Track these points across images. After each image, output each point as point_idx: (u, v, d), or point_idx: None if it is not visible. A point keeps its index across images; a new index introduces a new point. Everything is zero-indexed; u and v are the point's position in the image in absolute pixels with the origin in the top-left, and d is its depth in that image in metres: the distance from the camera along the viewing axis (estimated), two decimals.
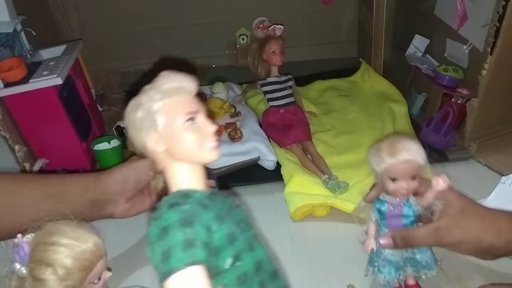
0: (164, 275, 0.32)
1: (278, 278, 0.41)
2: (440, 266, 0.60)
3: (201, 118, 0.38)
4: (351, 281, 0.64)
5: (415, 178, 0.53)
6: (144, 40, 1.32)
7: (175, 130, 0.37)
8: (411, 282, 0.61)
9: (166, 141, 0.37)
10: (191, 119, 0.37)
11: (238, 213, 0.40)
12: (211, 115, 1.00)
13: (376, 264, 0.59)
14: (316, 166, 0.87)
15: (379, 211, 0.58)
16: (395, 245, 0.55)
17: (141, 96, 0.39)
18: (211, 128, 0.39)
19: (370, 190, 0.59)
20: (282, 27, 1.00)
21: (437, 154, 0.89)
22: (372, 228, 0.59)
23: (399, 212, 0.56)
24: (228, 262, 0.36)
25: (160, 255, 0.33)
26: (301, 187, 0.80)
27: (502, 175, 0.75)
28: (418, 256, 0.59)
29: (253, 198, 0.83)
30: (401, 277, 0.60)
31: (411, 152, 0.52)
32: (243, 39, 1.33)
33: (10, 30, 0.85)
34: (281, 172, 0.86)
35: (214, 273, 0.35)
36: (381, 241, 0.55)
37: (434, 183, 0.53)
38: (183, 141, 0.37)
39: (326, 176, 0.83)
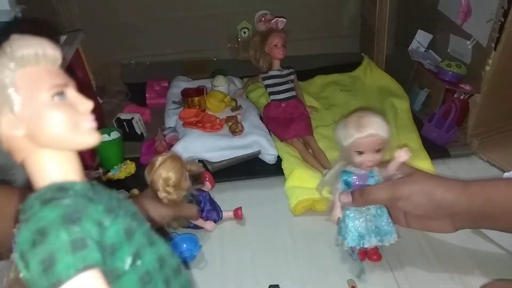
0: None
1: (182, 274, 0.36)
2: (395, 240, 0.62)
3: (73, 93, 0.30)
4: (351, 276, 0.63)
5: (380, 151, 0.58)
6: (145, 33, 1.32)
7: (39, 108, 0.28)
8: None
9: (26, 123, 0.29)
10: (60, 93, 0.29)
11: (129, 206, 0.34)
12: (212, 108, 1.00)
13: (342, 233, 0.62)
14: (317, 160, 0.87)
15: (346, 182, 0.62)
16: (354, 201, 0.60)
17: None
18: (87, 104, 0.30)
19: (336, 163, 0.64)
20: (284, 20, 0.99)
21: (439, 150, 0.89)
22: (337, 199, 0.62)
23: (364, 182, 0.61)
24: (127, 262, 0.30)
25: (38, 265, 0.25)
26: (302, 181, 0.79)
27: (504, 172, 0.75)
28: (383, 225, 0.61)
29: (254, 192, 0.82)
30: (364, 245, 0.62)
31: (376, 127, 0.56)
32: (244, 33, 1.33)
33: (10, 19, 0.85)
34: (282, 166, 0.86)
35: (112, 278, 0.29)
36: (341, 199, 0.60)
37: (397, 156, 0.58)
38: (50, 121, 0.29)
39: (327, 170, 0.83)
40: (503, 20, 0.78)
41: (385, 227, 0.62)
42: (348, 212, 0.62)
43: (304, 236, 0.72)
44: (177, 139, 0.90)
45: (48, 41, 0.30)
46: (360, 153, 0.58)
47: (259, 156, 0.90)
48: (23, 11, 0.91)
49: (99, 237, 0.28)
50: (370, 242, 0.62)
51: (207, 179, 0.81)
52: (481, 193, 0.57)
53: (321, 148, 0.90)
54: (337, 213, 0.63)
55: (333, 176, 0.65)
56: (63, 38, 0.94)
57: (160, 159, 0.65)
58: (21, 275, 0.41)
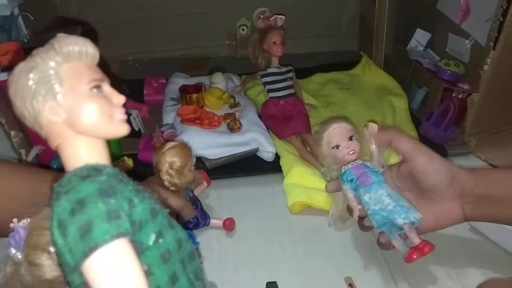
0: (85, 253, 0.28)
1: (195, 259, 0.38)
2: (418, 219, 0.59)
3: (108, 87, 0.33)
4: (348, 273, 0.63)
5: (353, 139, 0.62)
6: (143, 29, 1.31)
7: (79, 98, 0.32)
8: (416, 240, 0.58)
9: (66, 111, 0.32)
10: (97, 86, 0.32)
11: (152, 195, 0.36)
12: (210, 105, 1.00)
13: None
14: (315, 158, 0.87)
15: (350, 181, 0.62)
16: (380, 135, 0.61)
17: (35, 57, 0.32)
18: (120, 98, 0.34)
19: (327, 186, 0.67)
20: (283, 17, 0.99)
21: (436, 149, 0.88)
22: (351, 196, 0.63)
23: (363, 169, 0.62)
24: (151, 238, 0.33)
25: (76, 231, 0.28)
26: (301, 179, 0.79)
27: None
28: (401, 203, 0.59)
29: (252, 189, 0.82)
30: (392, 231, 0.59)
31: (337, 121, 0.63)
32: (243, 30, 1.32)
33: (8, 13, 0.84)
34: (280, 163, 0.86)
35: (139, 251, 0.31)
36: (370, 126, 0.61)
37: (366, 132, 0.62)
38: (88, 110, 0.32)
39: (325, 168, 0.83)
40: (502, 19, 0.78)
41: (405, 203, 0.59)
42: (365, 198, 0.60)
43: (301, 233, 0.72)
44: (175, 135, 0.90)
45: (90, 41, 0.34)
46: (338, 147, 0.62)
47: (257, 154, 0.90)
48: (21, 5, 0.91)
49: (129, 212, 0.31)
50: (397, 221, 0.58)
51: (202, 177, 0.81)
52: (486, 176, 0.59)
53: None
54: (357, 206, 0.62)
55: (340, 201, 0.66)
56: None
57: (170, 143, 0.68)
58: (21, 269, 0.41)
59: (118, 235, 0.29)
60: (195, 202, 0.72)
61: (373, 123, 0.61)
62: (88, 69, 0.33)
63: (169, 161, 0.66)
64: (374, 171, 0.62)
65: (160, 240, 0.33)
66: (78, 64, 0.33)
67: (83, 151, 0.33)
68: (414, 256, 0.57)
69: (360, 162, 0.63)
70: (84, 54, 0.33)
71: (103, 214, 0.29)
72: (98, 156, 0.33)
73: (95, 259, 0.28)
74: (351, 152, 0.62)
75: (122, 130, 0.33)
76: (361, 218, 0.64)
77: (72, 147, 0.33)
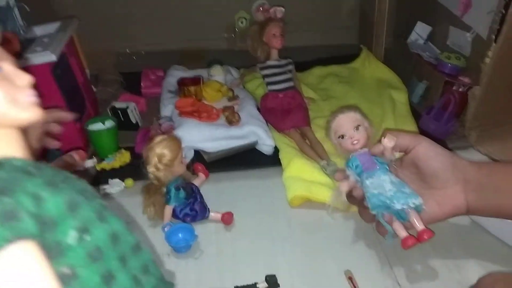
0: None
1: (142, 252, 0.34)
2: (420, 204, 0.58)
3: (9, 66, 0.29)
4: (348, 267, 0.63)
5: (359, 129, 0.62)
6: (140, 21, 1.29)
7: None
8: (418, 226, 0.58)
9: None
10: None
11: (79, 183, 0.32)
12: (208, 98, 0.99)
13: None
14: (314, 151, 0.86)
15: (356, 167, 0.62)
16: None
17: None
18: (25, 77, 0.29)
19: (336, 174, 0.68)
20: (283, 9, 0.98)
21: (437, 142, 0.88)
22: (351, 179, 0.63)
23: (369, 157, 0.62)
24: (71, 235, 0.28)
25: None
26: (300, 172, 0.79)
27: None
28: (403, 189, 0.59)
29: (250, 182, 0.82)
30: (392, 208, 0.58)
31: (345, 110, 0.64)
32: (242, 22, 1.31)
33: (3, 3, 0.83)
34: (279, 157, 0.85)
35: (55, 253, 0.27)
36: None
37: (384, 144, 0.60)
38: None
39: (324, 161, 0.82)
40: (504, 11, 0.77)
41: (407, 189, 0.59)
42: (367, 182, 0.61)
43: (301, 227, 0.72)
44: (173, 128, 0.89)
45: None
46: (344, 136, 0.63)
47: (256, 147, 0.89)
48: None
49: (36, 209, 0.26)
50: (395, 206, 0.58)
51: (200, 170, 0.80)
52: (488, 165, 0.61)
53: (318, 139, 0.89)
54: (358, 189, 0.62)
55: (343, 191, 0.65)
56: (56, 25, 0.92)
57: (160, 137, 0.67)
58: None
59: (16, 238, 0.25)
60: (192, 190, 0.72)
61: (391, 137, 0.60)
62: None
63: (158, 153, 0.66)
64: (380, 160, 0.62)
65: (86, 237, 0.29)
66: None
67: None
68: (410, 243, 0.57)
69: (367, 150, 0.63)
70: None
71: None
72: (8, 147, 0.29)
73: None
74: (355, 142, 0.62)
75: (29, 114, 0.29)
76: (359, 205, 0.64)
77: None
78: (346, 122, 0.63)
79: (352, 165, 0.62)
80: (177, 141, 0.69)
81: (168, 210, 0.70)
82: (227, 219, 0.72)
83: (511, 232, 0.64)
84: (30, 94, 0.29)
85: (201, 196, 0.73)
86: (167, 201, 0.70)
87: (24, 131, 0.31)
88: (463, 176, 0.58)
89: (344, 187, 0.63)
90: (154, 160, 0.66)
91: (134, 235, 0.34)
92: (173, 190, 0.69)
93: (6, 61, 0.29)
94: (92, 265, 0.29)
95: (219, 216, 0.72)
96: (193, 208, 0.70)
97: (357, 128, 0.62)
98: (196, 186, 0.74)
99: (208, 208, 0.72)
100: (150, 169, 0.67)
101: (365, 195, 0.61)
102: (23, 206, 0.26)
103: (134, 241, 0.34)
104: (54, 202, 0.28)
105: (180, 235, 0.66)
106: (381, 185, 0.59)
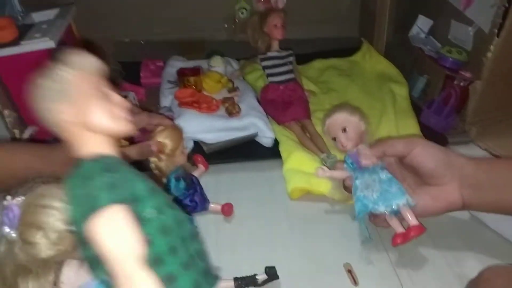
0: (88, 215, 0.33)
1: (198, 241, 0.42)
2: (409, 203, 0.60)
3: (115, 94, 0.40)
4: (347, 260, 0.63)
5: (347, 130, 0.64)
6: (139, 10, 1.28)
7: (89, 99, 0.38)
8: (410, 221, 0.60)
9: (79, 112, 0.37)
10: (103, 92, 0.39)
11: (152, 182, 0.41)
12: (208, 88, 0.98)
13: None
14: (314, 144, 0.86)
15: (351, 163, 0.64)
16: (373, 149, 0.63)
17: (53, 69, 0.38)
18: (123, 101, 0.40)
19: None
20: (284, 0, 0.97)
21: (437, 137, 0.88)
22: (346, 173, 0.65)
23: (358, 158, 0.63)
24: (151, 212, 0.37)
25: (83, 199, 0.34)
26: (300, 165, 0.78)
27: None
28: (388, 189, 0.60)
29: (250, 174, 0.81)
30: (374, 211, 0.61)
31: (333, 112, 0.66)
32: (242, 13, 1.30)
33: None
34: (279, 149, 0.84)
35: (138, 221, 0.35)
36: (361, 152, 0.63)
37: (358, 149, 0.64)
38: (97, 110, 0.38)
39: (324, 154, 0.82)
40: (507, 5, 0.77)
41: (394, 188, 0.60)
42: (356, 182, 0.62)
43: (300, 219, 0.71)
44: (172, 118, 0.88)
45: (95, 56, 0.40)
46: (335, 139, 0.66)
47: (256, 139, 0.89)
48: None
49: (131, 187, 0.36)
50: (379, 209, 0.60)
51: (199, 161, 0.79)
52: (487, 162, 0.61)
53: (318, 132, 0.88)
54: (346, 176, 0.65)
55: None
56: (54, 11, 0.91)
57: (161, 127, 0.67)
58: (15, 248, 0.40)
59: (117, 201, 0.34)
60: (192, 182, 0.71)
61: (363, 146, 0.64)
62: (96, 78, 0.39)
63: (160, 144, 0.66)
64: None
65: (161, 215, 0.38)
66: (89, 74, 0.38)
67: (93, 146, 0.38)
68: (398, 241, 0.59)
69: (362, 146, 0.64)
70: (94, 67, 0.39)
71: (106, 184, 0.34)
72: (108, 149, 0.38)
73: (96, 219, 0.33)
74: (346, 144, 0.65)
75: (125, 127, 0.39)
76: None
77: (86, 143, 0.38)
78: (332, 126, 0.66)
79: (348, 162, 0.64)
80: (178, 131, 0.68)
81: None
82: (227, 210, 0.71)
83: (510, 227, 0.64)
84: (125, 112, 0.39)
85: (201, 188, 0.72)
86: (167, 192, 0.69)
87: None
88: (459, 173, 0.58)
89: (338, 174, 0.66)
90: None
91: (192, 224, 0.43)
92: (173, 180, 0.68)
93: (111, 88, 0.40)
94: (163, 237, 0.38)
95: (219, 207, 0.72)
96: (193, 199, 0.70)
97: (344, 130, 0.64)
98: (196, 177, 0.73)
99: (208, 200, 0.72)
100: (152, 158, 0.66)
101: (353, 196, 0.63)
102: (123, 182, 0.35)
103: (193, 229, 0.42)
104: (142, 185, 0.37)
105: None
106: (369, 185, 0.61)
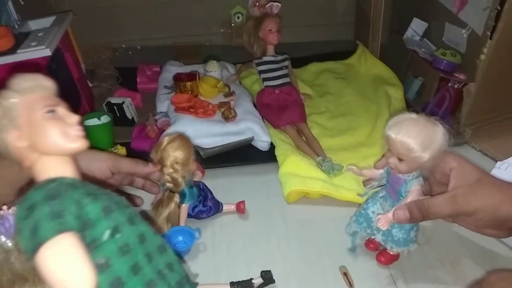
0: (35, 249, 0.32)
1: (167, 252, 0.40)
2: (409, 249, 0.61)
3: (62, 110, 0.39)
4: (343, 263, 0.63)
5: (402, 161, 0.54)
6: (136, 16, 1.29)
7: (36, 122, 0.37)
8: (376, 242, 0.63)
9: (28, 136, 0.37)
10: (51, 111, 0.38)
11: (115, 196, 0.39)
12: (204, 93, 0.98)
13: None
14: (310, 148, 0.86)
15: (386, 175, 0.61)
16: (412, 218, 0.54)
17: None
18: (74, 117, 0.39)
19: (376, 164, 0.62)
20: (279, 4, 0.97)
21: None
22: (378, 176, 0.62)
23: (393, 178, 0.58)
24: (106, 234, 0.36)
25: (28, 232, 0.32)
26: (296, 168, 0.79)
27: (497, 161, 0.75)
28: (394, 231, 0.60)
29: (246, 179, 0.82)
30: (365, 233, 0.63)
31: (399, 133, 0.52)
32: (238, 18, 1.30)
33: None
34: (275, 153, 0.85)
35: (92, 247, 0.34)
36: (397, 214, 0.55)
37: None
38: (45, 131, 0.37)
39: (320, 158, 0.82)
40: (499, 8, 0.77)
41: (400, 235, 0.59)
42: (371, 208, 0.62)
43: (296, 223, 0.72)
44: (168, 124, 0.89)
45: (41, 76, 0.39)
46: (389, 151, 0.55)
47: (252, 143, 0.89)
48: None
49: (78, 211, 0.34)
50: (374, 236, 0.62)
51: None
52: None
53: (314, 135, 0.89)
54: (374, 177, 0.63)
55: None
56: (51, 19, 0.92)
57: (167, 138, 0.67)
58: (11, 257, 0.41)
59: (61, 230, 0.32)
60: (200, 188, 0.72)
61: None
62: (41, 99, 0.38)
63: (173, 155, 0.65)
64: (403, 196, 0.57)
65: (117, 235, 0.36)
66: (33, 96, 0.38)
67: (47, 168, 0.37)
68: (382, 259, 0.63)
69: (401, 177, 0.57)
70: (36, 88, 0.38)
71: (47, 214, 0.32)
72: (63, 170, 0.37)
73: (42, 252, 0.32)
74: (391, 165, 0.56)
75: (77, 145, 0.38)
76: None
77: (38, 167, 0.37)
78: (395, 145, 0.53)
79: (385, 175, 0.61)
80: (188, 140, 0.68)
81: (185, 209, 0.69)
82: (242, 208, 0.73)
83: None
84: (78, 129, 0.38)
85: (211, 192, 0.73)
86: (182, 201, 0.68)
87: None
88: None
89: (368, 173, 0.63)
90: (170, 161, 0.65)
91: (160, 237, 0.40)
92: (187, 188, 0.68)
93: (60, 106, 0.38)
94: (122, 257, 0.36)
95: (232, 207, 0.73)
96: (206, 204, 0.71)
97: (400, 159, 0.54)
98: (203, 183, 0.74)
99: (221, 203, 0.73)
100: (168, 170, 0.66)
101: (360, 211, 0.63)
102: (67, 208, 0.33)
103: (159, 242, 0.40)
104: (92, 208, 0.35)
105: (180, 237, 0.65)
106: (380, 212, 0.61)
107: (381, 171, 0.61)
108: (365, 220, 0.63)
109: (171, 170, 0.66)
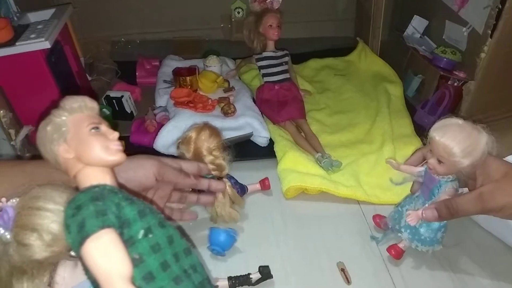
0: (81, 242, 0.36)
1: (192, 255, 0.45)
2: (434, 250, 0.62)
3: (105, 127, 0.44)
4: (341, 259, 0.64)
5: (441, 163, 0.55)
6: (136, 10, 1.28)
7: (82, 137, 0.42)
8: (399, 245, 0.63)
9: (75, 148, 0.42)
10: (96, 127, 0.43)
11: (147, 203, 0.44)
12: (204, 88, 0.98)
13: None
14: (309, 144, 0.86)
15: (424, 175, 0.61)
16: (440, 216, 0.56)
17: (50, 115, 0.44)
18: (115, 134, 0.44)
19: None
20: (280, 0, 0.97)
21: None
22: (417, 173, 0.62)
23: (427, 179, 0.60)
24: (140, 233, 0.40)
25: (75, 228, 0.37)
26: (295, 164, 0.79)
27: None
28: (422, 230, 0.61)
29: (245, 174, 0.81)
30: (394, 230, 0.64)
31: (444, 135, 0.53)
32: (238, 13, 1.30)
33: None
34: (274, 149, 0.85)
35: (128, 244, 0.39)
36: (426, 213, 0.57)
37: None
38: (89, 145, 0.42)
39: (319, 154, 0.82)
40: (500, 7, 0.77)
41: (426, 234, 0.61)
42: (406, 206, 0.63)
43: (295, 219, 0.72)
44: (167, 118, 0.89)
45: (87, 97, 0.45)
46: (431, 151, 0.56)
47: (251, 138, 0.89)
48: None
49: (118, 212, 0.39)
50: (401, 233, 0.63)
51: None
52: None
53: (313, 131, 0.89)
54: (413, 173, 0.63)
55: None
56: (51, 11, 0.91)
57: (194, 130, 0.68)
58: (10, 249, 0.41)
59: (104, 226, 0.36)
60: (231, 177, 0.73)
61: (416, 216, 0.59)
62: (87, 117, 0.44)
63: (208, 143, 0.67)
64: (436, 196, 0.59)
65: (150, 235, 0.41)
66: (80, 114, 0.44)
67: (89, 177, 0.42)
68: (392, 252, 0.63)
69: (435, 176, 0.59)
70: (84, 108, 0.44)
71: (92, 212, 0.37)
72: (103, 179, 0.42)
73: (87, 245, 0.36)
74: (430, 166, 0.58)
75: (116, 157, 0.43)
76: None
77: (82, 176, 0.42)
78: (437, 147, 0.54)
79: (423, 172, 0.61)
80: (213, 127, 0.70)
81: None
82: (267, 185, 0.77)
83: (501, 226, 0.65)
84: (117, 144, 0.43)
85: (234, 178, 0.74)
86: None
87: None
88: None
89: (407, 169, 0.63)
90: (207, 149, 0.67)
91: (185, 241, 0.45)
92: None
93: (103, 123, 0.44)
94: (153, 255, 0.40)
95: (257, 186, 0.77)
96: (234, 188, 0.72)
97: (439, 161, 0.55)
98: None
99: (245, 186, 0.76)
100: (208, 158, 0.67)
101: (398, 208, 0.65)
102: (109, 208, 0.38)
103: (185, 245, 0.45)
104: (129, 210, 0.40)
105: (221, 238, 0.64)
106: (413, 207, 0.62)
107: (420, 168, 0.61)
108: (399, 217, 0.64)
109: (211, 157, 0.67)
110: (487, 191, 0.54)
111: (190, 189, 0.68)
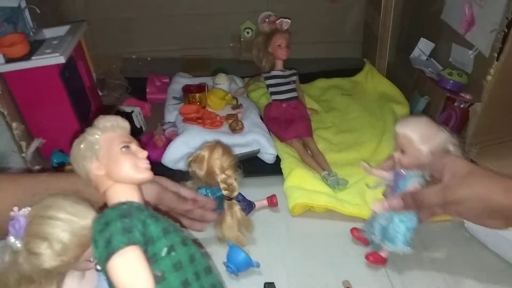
0: (107, 257, 0.37)
1: (212, 274, 0.46)
2: (404, 251, 0.61)
3: (135, 146, 0.46)
4: (347, 277, 0.63)
5: (404, 153, 0.59)
6: (147, 28, 1.31)
7: (113, 155, 0.44)
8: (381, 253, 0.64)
9: (106, 166, 0.44)
10: (126, 146, 0.45)
11: (171, 220, 0.45)
12: (212, 105, 0.99)
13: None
14: (316, 162, 0.87)
15: (394, 174, 0.63)
16: (406, 205, 0.59)
17: (84, 134, 0.46)
18: (144, 153, 0.46)
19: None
20: (289, 21, 0.99)
21: None
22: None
23: (400, 175, 0.62)
24: (164, 251, 0.41)
25: (103, 243, 0.38)
26: (301, 182, 0.79)
27: None
28: (390, 229, 0.61)
29: (252, 190, 0.81)
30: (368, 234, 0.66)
31: (404, 126, 0.58)
32: (248, 33, 1.32)
33: (15, 4, 0.84)
34: (281, 166, 0.85)
35: (152, 261, 0.40)
36: (391, 201, 0.60)
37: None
38: (120, 163, 0.44)
39: (325, 172, 0.83)
40: (506, 30, 0.78)
41: (394, 233, 0.61)
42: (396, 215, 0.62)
43: (301, 236, 0.72)
44: (176, 134, 0.90)
45: (120, 117, 0.47)
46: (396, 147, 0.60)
47: (258, 155, 0.90)
48: None
49: (143, 229, 0.40)
50: (375, 236, 0.64)
51: None
52: None
53: (320, 150, 0.90)
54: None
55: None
56: (66, 28, 0.94)
57: (206, 148, 0.68)
58: (20, 258, 0.41)
59: (129, 243, 0.38)
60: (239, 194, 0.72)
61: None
62: (119, 136, 0.46)
63: (221, 162, 0.67)
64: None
65: (172, 253, 0.42)
66: (112, 133, 0.45)
67: (118, 194, 0.44)
68: (371, 259, 0.64)
69: (402, 171, 0.62)
70: (116, 127, 0.46)
71: (120, 229, 0.38)
72: (131, 196, 0.44)
73: (113, 260, 0.37)
74: (396, 160, 0.61)
75: (145, 175, 0.45)
76: None
77: (111, 192, 0.44)
78: (399, 138, 0.59)
79: (392, 176, 0.64)
80: (225, 145, 0.70)
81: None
82: (274, 202, 0.77)
83: (508, 247, 0.65)
84: (146, 162, 0.45)
85: (242, 194, 0.74)
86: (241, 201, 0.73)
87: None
88: (505, 215, 0.55)
89: (378, 173, 0.65)
90: (220, 168, 0.67)
91: (206, 260, 0.46)
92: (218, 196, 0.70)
93: (133, 142, 0.46)
94: (175, 272, 0.41)
95: (264, 202, 0.77)
96: (241, 205, 0.71)
97: (402, 151, 0.59)
98: None
99: (253, 202, 0.76)
100: (221, 177, 0.67)
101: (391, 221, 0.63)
102: (136, 226, 0.39)
103: (206, 264, 0.46)
104: (154, 227, 0.41)
105: (239, 258, 0.63)
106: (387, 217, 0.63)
107: (390, 174, 0.64)
108: (372, 220, 0.65)
109: (224, 176, 0.67)
110: (452, 184, 0.56)
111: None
